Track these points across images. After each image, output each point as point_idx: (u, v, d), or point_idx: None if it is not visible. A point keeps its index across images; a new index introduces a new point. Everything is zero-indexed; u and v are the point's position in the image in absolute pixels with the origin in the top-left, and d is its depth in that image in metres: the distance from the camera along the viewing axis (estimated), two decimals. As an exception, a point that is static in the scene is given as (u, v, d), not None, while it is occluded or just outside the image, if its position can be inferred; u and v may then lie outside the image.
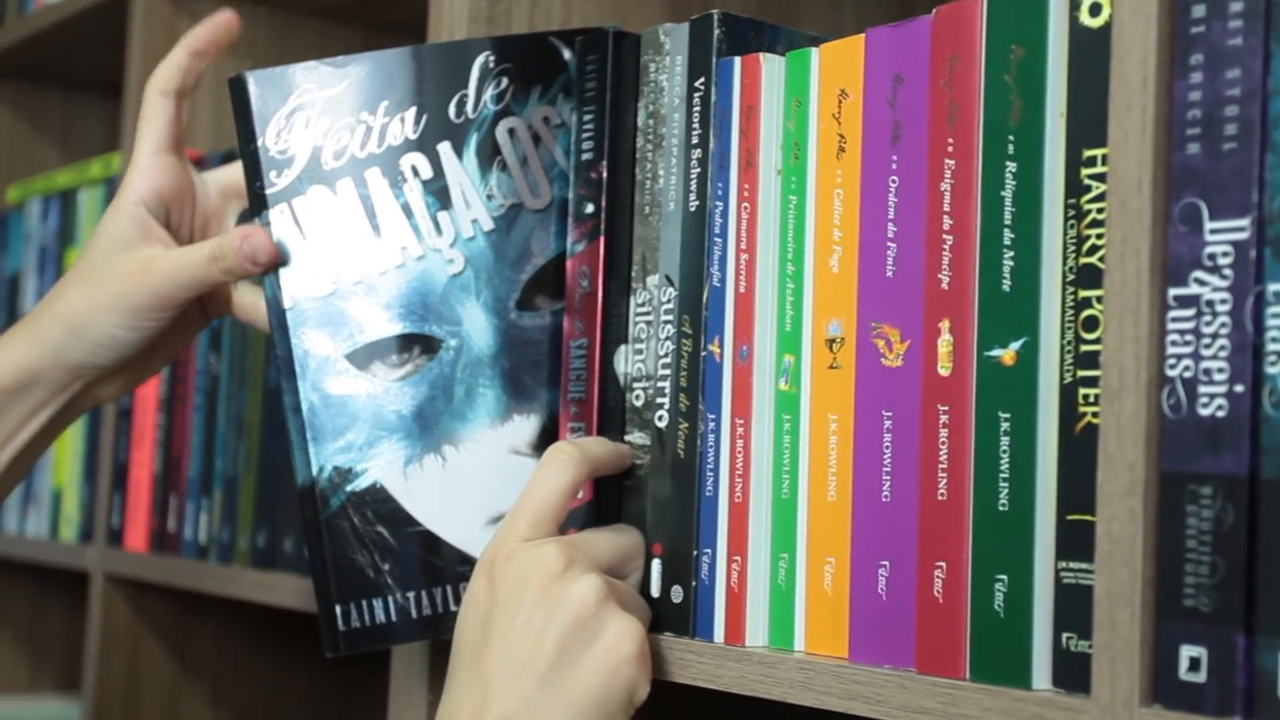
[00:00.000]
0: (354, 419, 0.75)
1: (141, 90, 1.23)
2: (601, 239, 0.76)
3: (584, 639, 0.66)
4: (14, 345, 0.78)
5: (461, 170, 0.77)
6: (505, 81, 0.78)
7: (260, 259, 0.75)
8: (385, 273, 0.76)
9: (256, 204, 0.76)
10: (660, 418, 0.73)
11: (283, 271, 0.76)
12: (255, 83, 0.76)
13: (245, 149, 0.76)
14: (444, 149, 0.77)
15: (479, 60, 0.78)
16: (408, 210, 0.76)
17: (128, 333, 0.78)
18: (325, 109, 0.76)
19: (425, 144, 0.77)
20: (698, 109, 0.72)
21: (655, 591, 0.72)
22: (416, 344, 0.76)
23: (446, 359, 0.76)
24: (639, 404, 0.74)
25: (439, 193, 0.77)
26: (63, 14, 1.37)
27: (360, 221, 0.76)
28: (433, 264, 0.77)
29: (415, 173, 0.77)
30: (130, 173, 0.80)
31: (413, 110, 0.77)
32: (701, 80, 0.72)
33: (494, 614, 0.67)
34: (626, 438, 0.75)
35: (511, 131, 0.78)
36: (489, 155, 0.78)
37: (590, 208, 0.76)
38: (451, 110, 0.77)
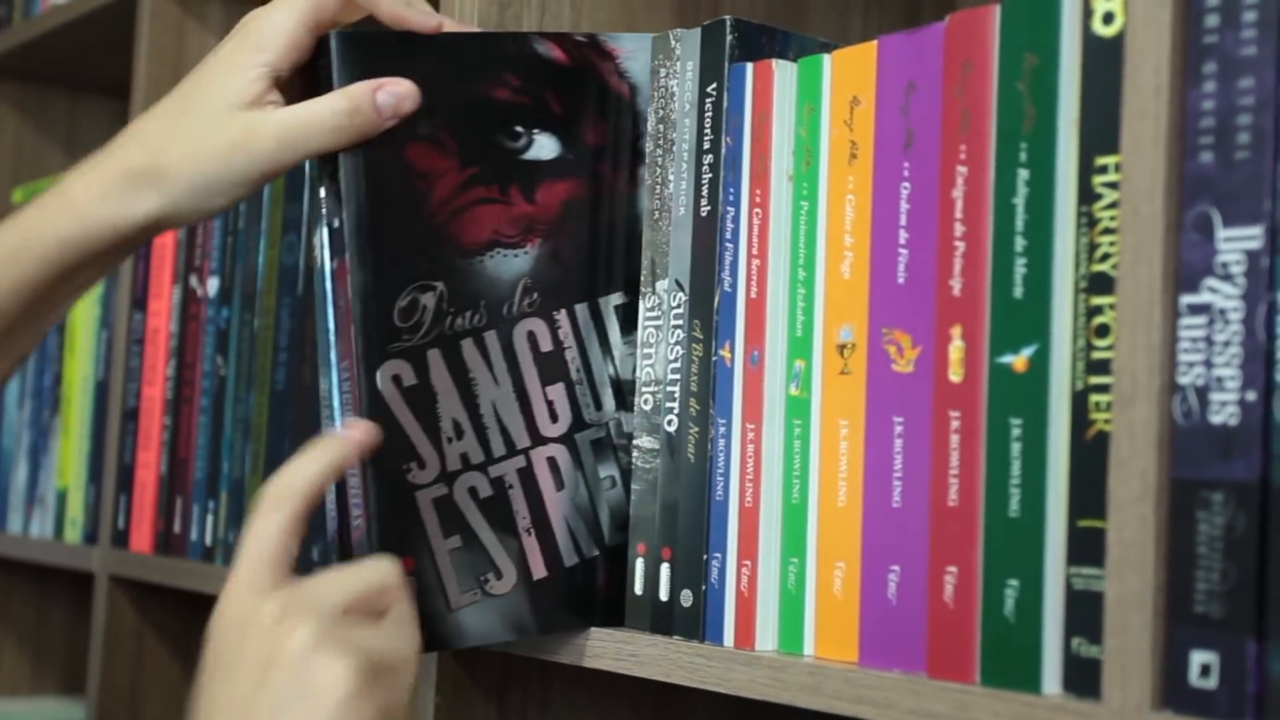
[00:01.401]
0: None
1: (148, 93, 1.24)
2: None
3: (293, 695, 0.62)
4: (131, 199, 0.74)
5: None
6: None
7: (405, 108, 0.72)
8: None
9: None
10: (670, 422, 0.73)
11: None
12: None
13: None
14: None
15: None
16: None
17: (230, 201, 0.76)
18: None
19: None
20: (709, 114, 0.73)
21: (665, 595, 0.73)
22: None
23: None
24: (648, 408, 0.75)
25: None
26: (69, 16, 1.37)
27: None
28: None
29: None
30: (272, 33, 0.73)
31: None
32: (714, 85, 0.73)
33: (216, 677, 0.64)
34: (636, 441, 0.75)
35: None
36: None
37: (335, 222, 0.74)
38: None
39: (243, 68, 0.73)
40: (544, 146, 0.77)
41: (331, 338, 0.74)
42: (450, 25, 0.77)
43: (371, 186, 0.73)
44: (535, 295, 0.76)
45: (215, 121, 0.73)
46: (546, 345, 0.76)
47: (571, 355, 0.76)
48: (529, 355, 0.75)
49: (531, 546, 0.75)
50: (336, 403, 0.74)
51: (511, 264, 0.75)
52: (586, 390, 0.77)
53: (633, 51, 0.79)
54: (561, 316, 0.76)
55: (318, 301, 0.75)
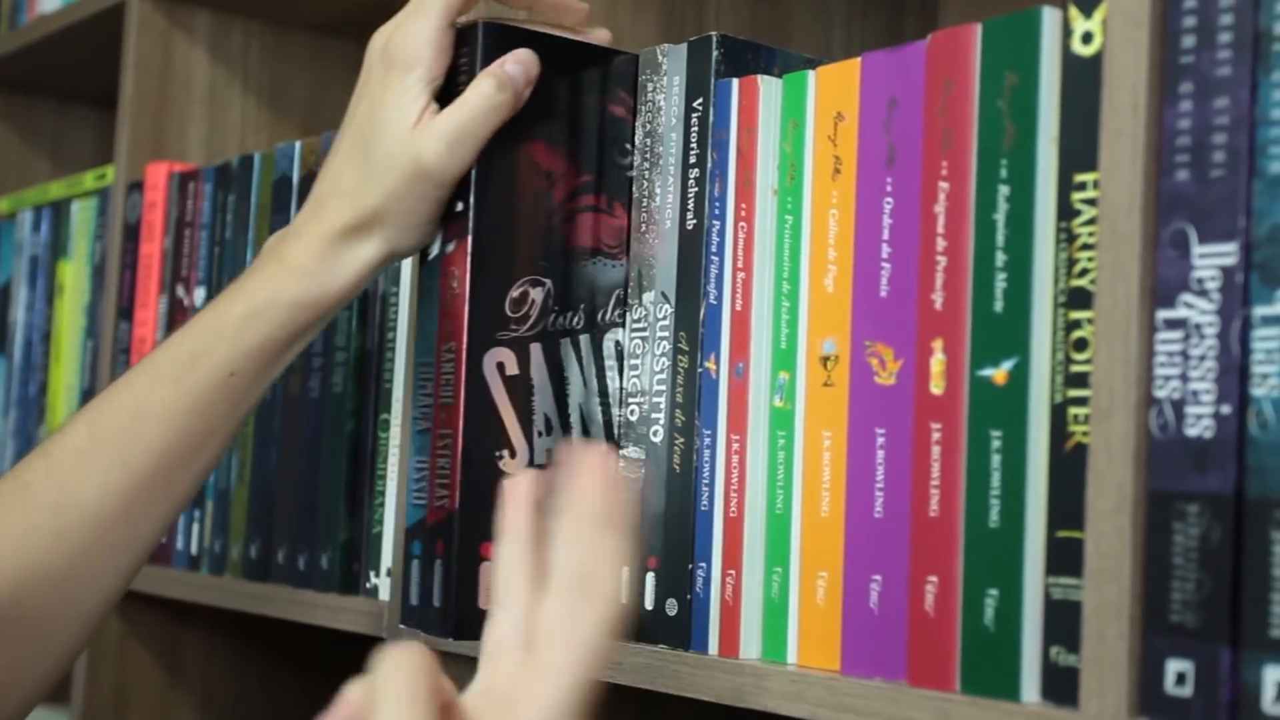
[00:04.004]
0: None
1: (134, 103, 1.25)
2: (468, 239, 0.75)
3: None
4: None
5: None
6: None
7: (532, 74, 0.74)
8: None
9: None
10: (655, 433, 0.74)
11: None
12: None
13: None
14: None
15: None
16: None
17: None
18: None
19: None
20: (695, 129, 0.74)
21: (650, 604, 0.73)
22: None
23: None
24: (634, 419, 0.75)
25: None
26: (56, 26, 1.38)
27: None
28: None
29: None
30: (418, 46, 0.74)
31: None
32: (700, 101, 0.73)
33: None
34: (622, 452, 0.76)
35: None
36: None
37: (459, 206, 0.76)
38: None
39: (401, 93, 0.74)
40: None
41: (434, 323, 0.76)
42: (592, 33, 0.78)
43: (501, 176, 0.75)
44: (624, 308, 0.78)
45: (395, 158, 0.73)
46: None
47: None
48: (615, 364, 0.78)
49: None
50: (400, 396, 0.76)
51: (610, 273, 0.78)
52: None
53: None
54: None
55: (414, 290, 0.76)
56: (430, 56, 0.74)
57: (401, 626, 0.78)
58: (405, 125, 0.73)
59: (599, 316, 0.78)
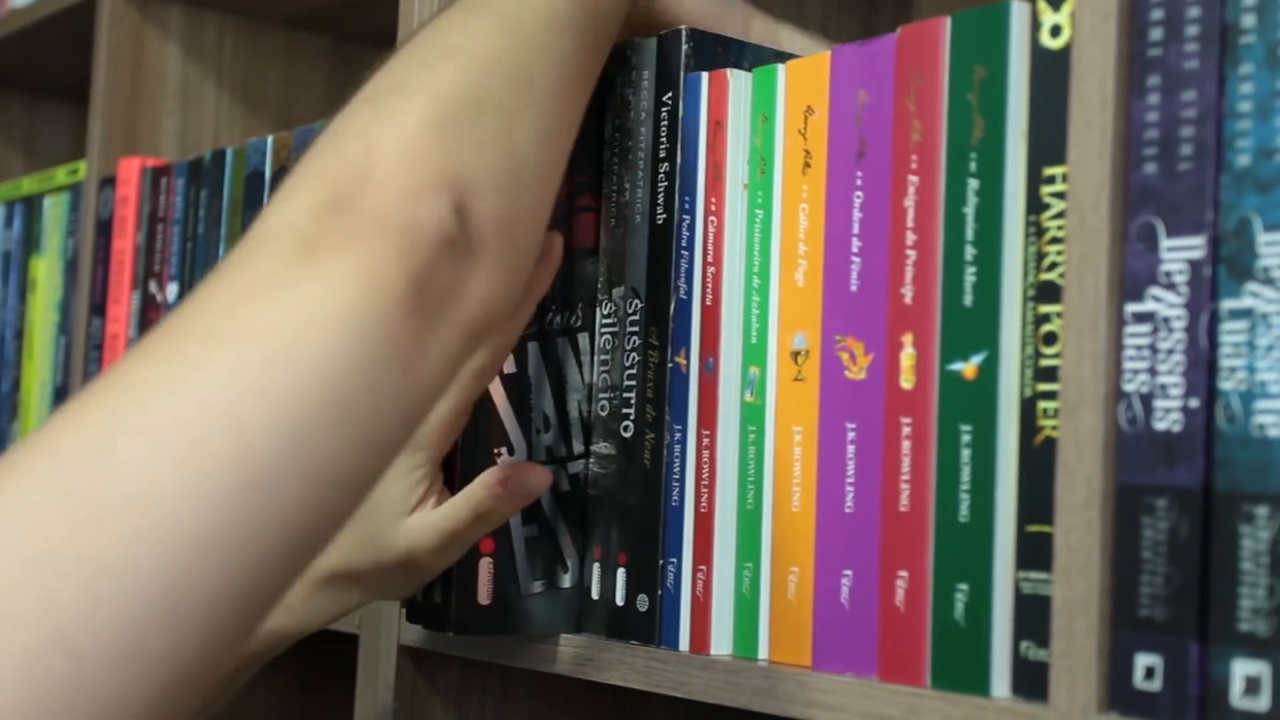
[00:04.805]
0: None
1: (107, 98, 1.24)
2: None
3: None
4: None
5: None
6: None
7: (538, 488, 0.72)
8: None
9: None
10: (626, 428, 0.74)
11: None
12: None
13: None
14: None
15: None
16: None
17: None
18: None
19: None
20: (665, 123, 0.73)
21: (620, 600, 0.73)
22: None
23: None
24: (604, 414, 0.75)
25: None
26: (28, 20, 1.37)
27: None
28: None
29: None
30: (429, 429, 0.71)
31: None
32: (669, 95, 0.73)
33: None
34: (593, 447, 0.76)
35: None
36: None
37: None
38: None
39: (401, 473, 0.71)
40: None
41: None
42: None
43: None
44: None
45: (388, 540, 0.71)
46: None
47: None
48: None
49: None
50: None
51: None
52: None
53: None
54: None
55: None
56: (438, 441, 0.71)
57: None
58: (403, 511, 0.71)
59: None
